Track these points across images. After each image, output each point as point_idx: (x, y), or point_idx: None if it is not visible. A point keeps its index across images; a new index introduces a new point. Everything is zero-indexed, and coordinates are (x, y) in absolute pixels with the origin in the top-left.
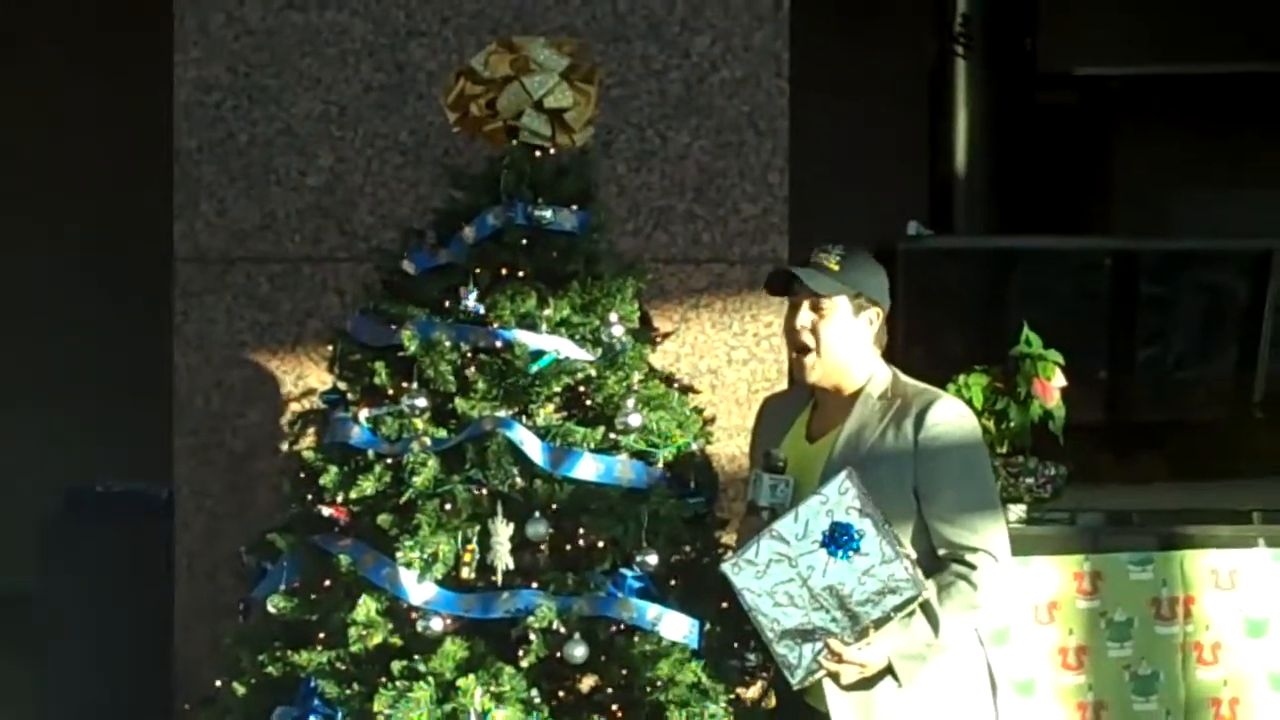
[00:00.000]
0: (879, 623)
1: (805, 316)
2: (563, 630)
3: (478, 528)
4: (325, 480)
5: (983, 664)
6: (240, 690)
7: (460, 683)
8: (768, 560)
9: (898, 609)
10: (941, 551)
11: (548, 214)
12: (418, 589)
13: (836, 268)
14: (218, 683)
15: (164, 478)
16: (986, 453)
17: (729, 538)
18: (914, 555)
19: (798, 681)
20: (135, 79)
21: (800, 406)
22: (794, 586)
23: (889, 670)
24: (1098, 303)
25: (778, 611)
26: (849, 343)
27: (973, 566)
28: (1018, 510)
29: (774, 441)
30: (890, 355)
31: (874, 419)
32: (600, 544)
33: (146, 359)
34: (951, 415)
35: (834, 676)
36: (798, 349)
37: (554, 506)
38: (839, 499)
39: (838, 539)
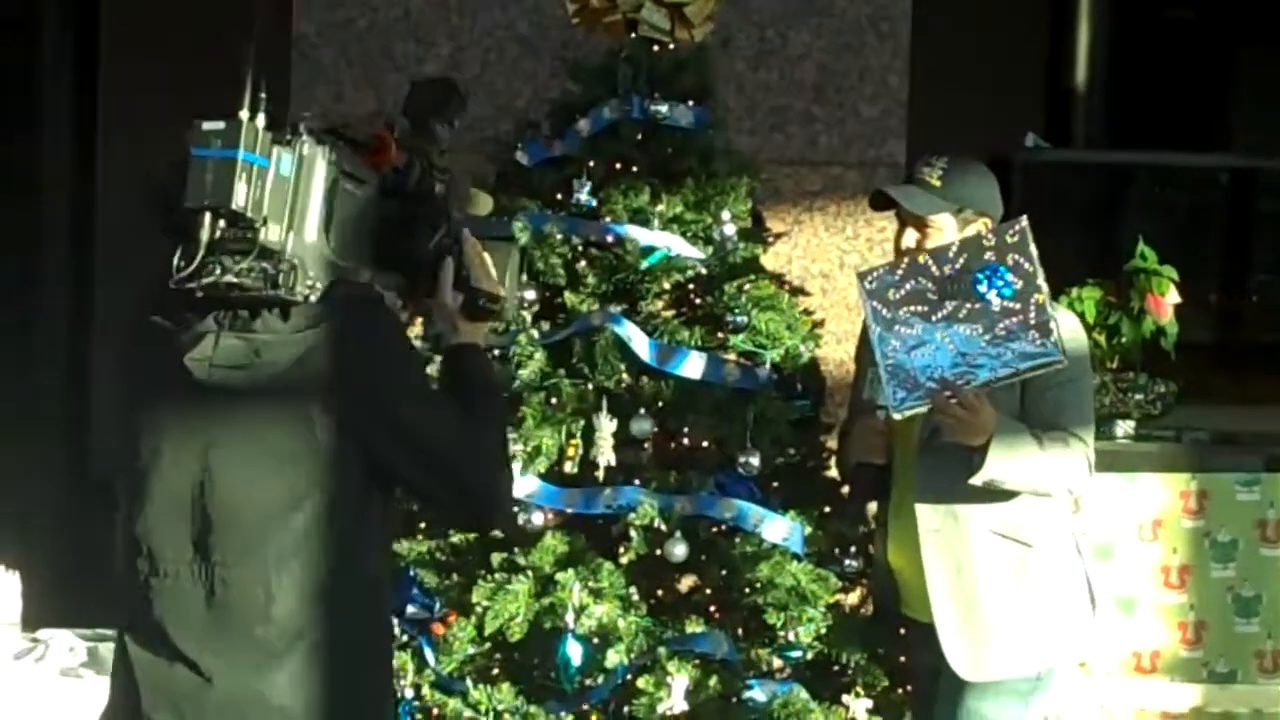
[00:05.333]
0: (1008, 377)
1: (909, 237)
2: (663, 528)
3: (582, 423)
4: (432, 370)
5: (1082, 578)
6: None
7: (559, 577)
8: (908, 281)
9: (1030, 367)
10: None
11: (664, 109)
12: (520, 482)
13: (939, 183)
14: None
15: None
16: (1091, 371)
17: (833, 441)
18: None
19: (899, 410)
20: None
21: None
22: (927, 315)
23: (981, 449)
24: (1213, 220)
25: (900, 336)
26: None
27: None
28: (1125, 426)
29: None
30: None
31: None
32: (704, 443)
33: None
34: (1065, 329)
35: (936, 418)
36: None
37: (659, 404)
38: (1004, 242)
39: (990, 280)
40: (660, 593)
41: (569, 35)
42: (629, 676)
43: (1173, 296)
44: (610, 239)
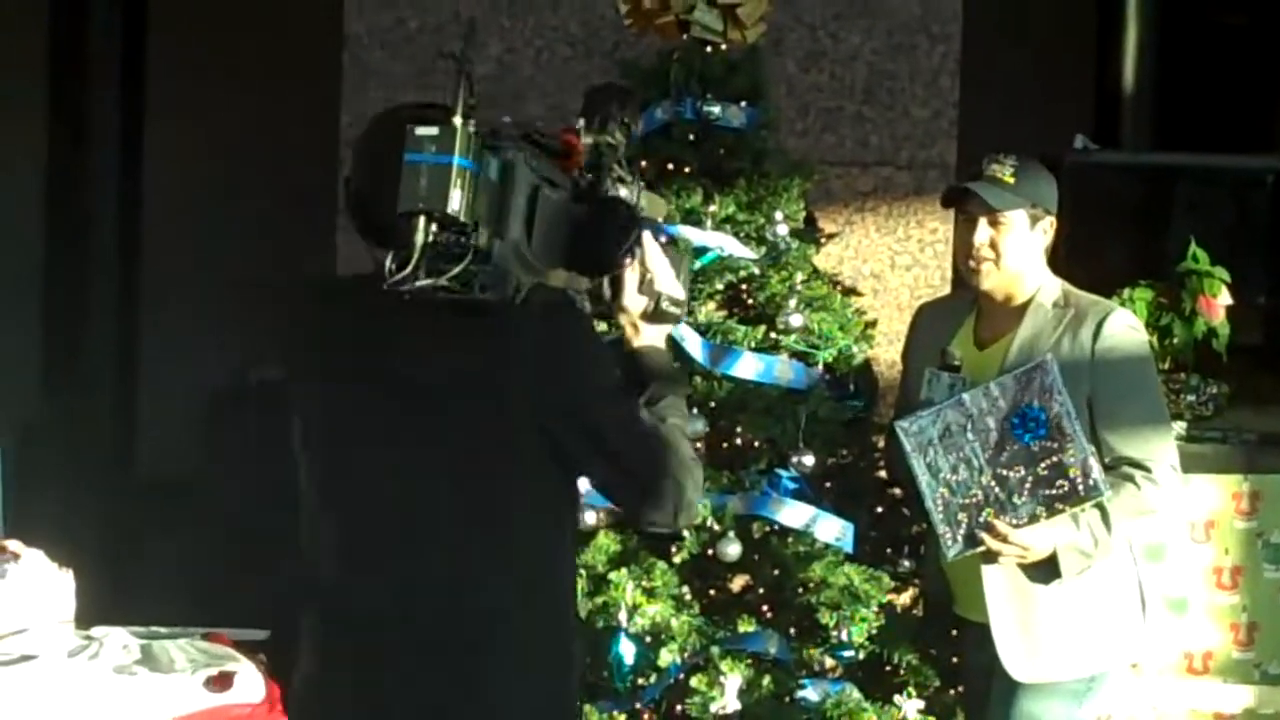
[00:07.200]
0: (1051, 514)
1: (983, 233)
2: (716, 528)
3: None
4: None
5: (1134, 581)
6: None
7: (612, 576)
8: (945, 428)
9: (1075, 504)
10: (1106, 459)
11: (716, 110)
12: None
13: (1012, 180)
14: None
15: None
16: (1154, 368)
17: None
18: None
19: (953, 555)
20: None
21: (962, 314)
22: (968, 460)
23: (1051, 560)
24: (1262, 222)
25: (944, 480)
26: (1026, 254)
27: (1146, 472)
28: (1178, 427)
29: (936, 348)
30: (1053, 267)
31: (1048, 327)
32: (757, 443)
33: (309, 246)
34: (1127, 327)
35: (990, 556)
36: (974, 261)
37: (712, 404)
38: (1035, 383)
39: (1026, 422)
40: (713, 592)
41: (621, 36)
42: (682, 675)
43: (1224, 298)
44: (663, 239)
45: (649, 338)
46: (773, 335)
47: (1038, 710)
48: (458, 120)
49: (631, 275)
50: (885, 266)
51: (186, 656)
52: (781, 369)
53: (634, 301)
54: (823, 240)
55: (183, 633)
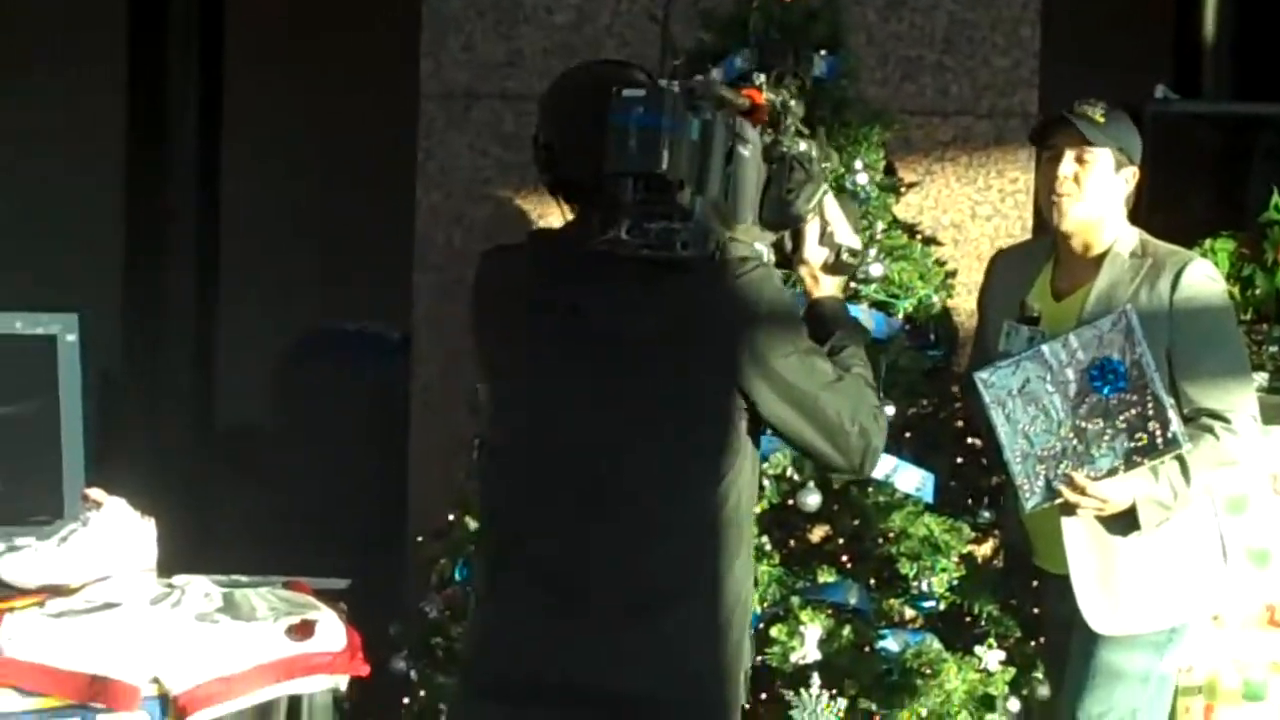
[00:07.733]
0: (1129, 466)
1: (1069, 166)
2: (797, 478)
3: None
4: None
5: (1215, 532)
6: (472, 524)
7: None
8: (1024, 380)
9: (1154, 457)
10: (1186, 411)
11: None
12: None
13: (1102, 120)
14: (450, 516)
15: (403, 317)
16: (1233, 317)
17: None
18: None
19: (1031, 507)
20: None
21: (1039, 263)
22: (1047, 412)
23: (1129, 512)
24: None
25: (1023, 432)
26: (1106, 197)
27: (1226, 423)
28: (1259, 378)
29: (1012, 297)
30: (1134, 218)
31: (1125, 277)
32: None
33: (389, 198)
34: (1205, 277)
35: (1068, 508)
36: (1056, 196)
37: None
38: (1114, 335)
39: (1104, 374)
40: (793, 542)
41: None
42: (762, 625)
43: None
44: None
45: (828, 288)
46: (853, 285)
47: (1118, 662)
48: (663, 82)
49: (813, 228)
50: (965, 216)
51: (268, 605)
52: (862, 319)
53: (815, 254)
54: (903, 190)
55: (264, 581)
